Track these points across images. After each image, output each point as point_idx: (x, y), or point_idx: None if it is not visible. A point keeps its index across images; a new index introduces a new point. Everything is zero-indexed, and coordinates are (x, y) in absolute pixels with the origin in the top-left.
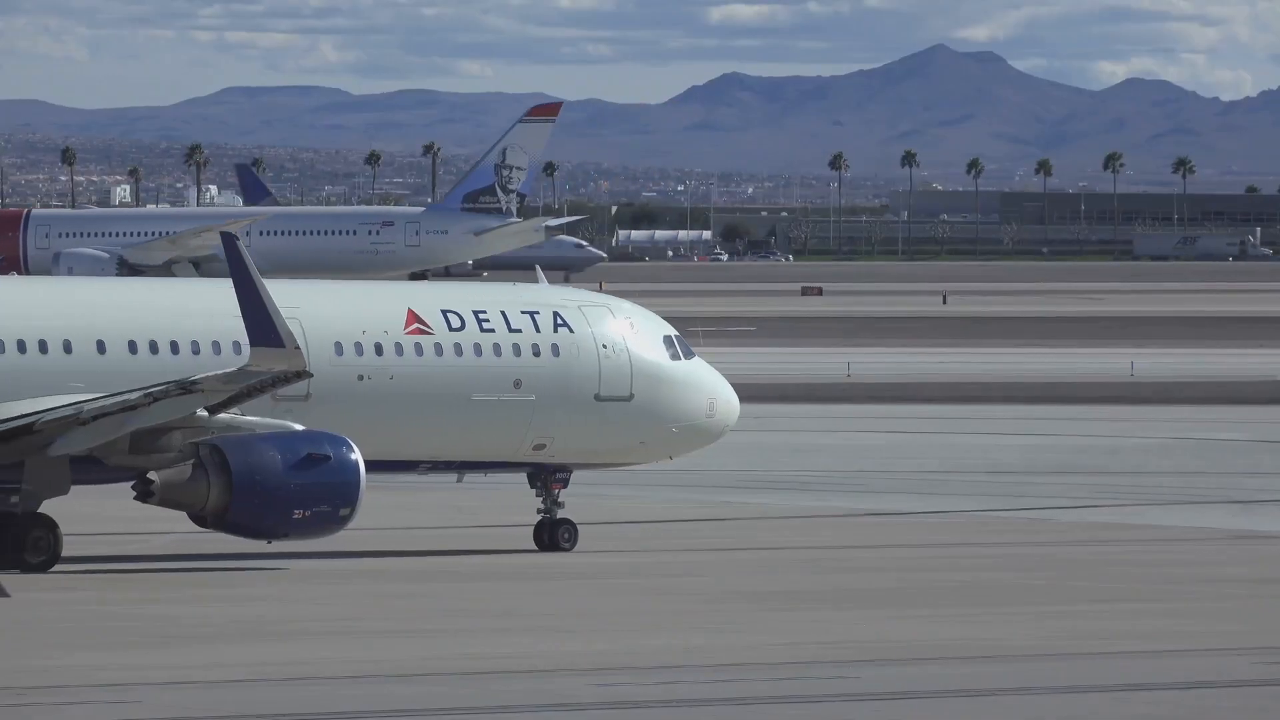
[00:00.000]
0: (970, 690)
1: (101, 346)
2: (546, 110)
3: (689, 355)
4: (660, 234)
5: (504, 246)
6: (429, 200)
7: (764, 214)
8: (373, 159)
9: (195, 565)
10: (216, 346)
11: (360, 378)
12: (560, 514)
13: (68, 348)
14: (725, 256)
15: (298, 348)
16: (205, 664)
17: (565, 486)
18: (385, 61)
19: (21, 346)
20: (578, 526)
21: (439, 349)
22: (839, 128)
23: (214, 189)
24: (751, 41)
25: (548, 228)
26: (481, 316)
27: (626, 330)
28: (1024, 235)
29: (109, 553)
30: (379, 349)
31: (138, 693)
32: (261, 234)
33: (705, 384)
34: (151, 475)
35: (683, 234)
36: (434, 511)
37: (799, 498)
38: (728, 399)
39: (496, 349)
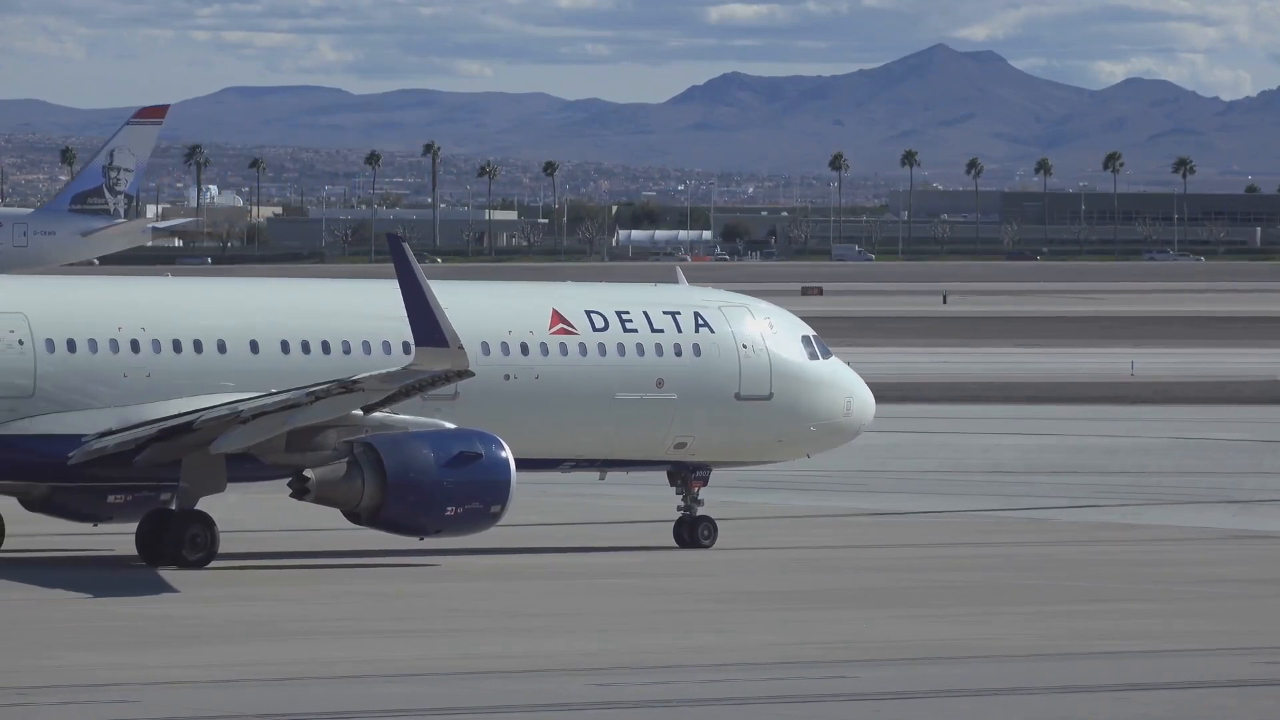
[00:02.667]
0: (970, 690)
1: (255, 346)
2: (152, 113)
3: (826, 355)
4: (660, 234)
5: (112, 247)
6: (429, 200)
7: (764, 214)
8: (372, 159)
9: (192, 565)
10: (366, 346)
11: (506, 377)
12: (700, 511)
13: (222, 347)
14: (728, 256)
15: (461, 347)
16: (204, 664)
17: (705, 485)
18: (384, 61)
19: (177, 346)
20: (717, 524)
21: (583, 349)
22: (839, 128)
23: (214, 189)
24: (751, 41)
25: (154, 229)
26: (624, 317)
27: (766, 330)
28: (1024, 235)
29: (109, 553)
30: (525, 349)
31: (137, 693)
32: None
33: (842, 383)
34: (307, 473)
35: (683, 234)
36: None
37: (799, 498)
38: (864, 398)
39: (639, 349)
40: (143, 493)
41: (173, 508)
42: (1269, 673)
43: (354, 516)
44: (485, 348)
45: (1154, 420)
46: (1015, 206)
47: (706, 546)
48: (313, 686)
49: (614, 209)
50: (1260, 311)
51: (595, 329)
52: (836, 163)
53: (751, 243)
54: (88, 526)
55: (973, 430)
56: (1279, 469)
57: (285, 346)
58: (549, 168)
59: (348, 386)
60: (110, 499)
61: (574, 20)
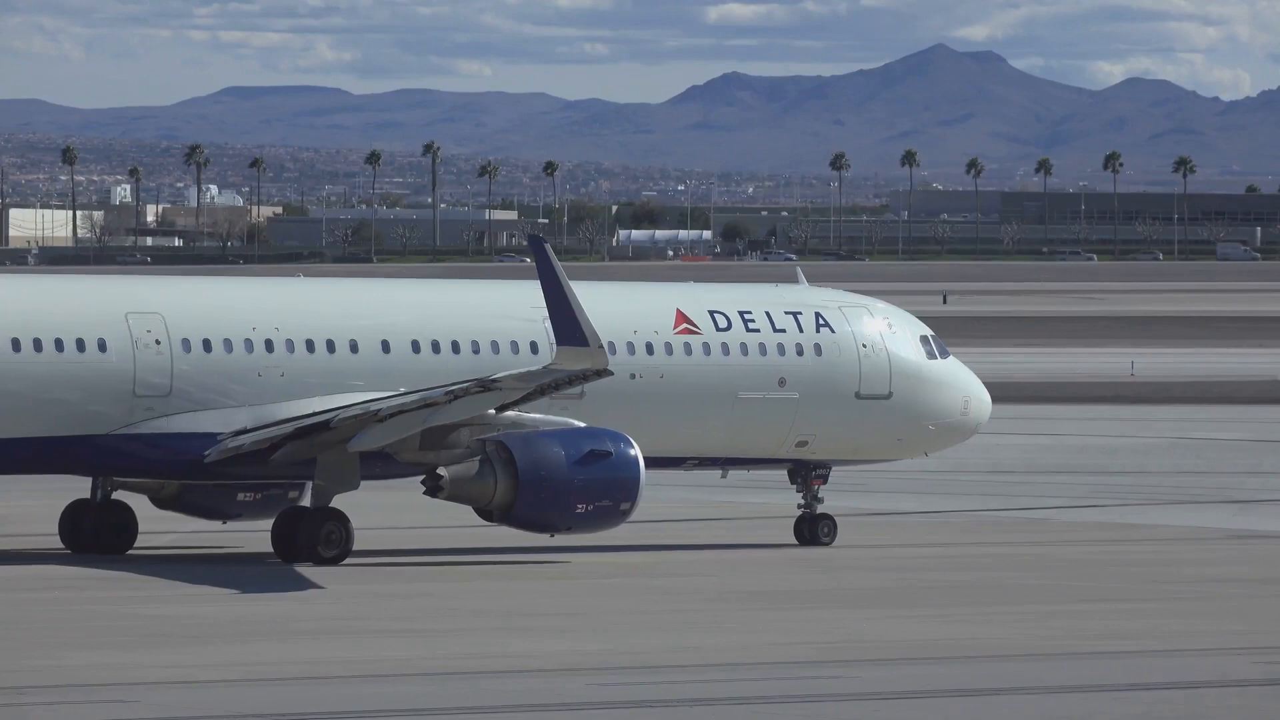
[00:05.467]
0: (970, 690)
1: (386, 346)
2: None
3: (944, 354)
4: (660, 234)
5: None
6: (429, 200)
7: (764, 214)
8: (373, 159)
9: (196, 565)
10: (495, 346)
11: (632, 376)
12: (820, 509)
13: (354, 347)
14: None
15: (601, 347)
16: (204, 664)
17: (825, 483)
18: (383, 61)
19: (310, 346)
20: (837, 521)
21: (707, 349)
22: (839, 127)
23: (214, 188)
24: (749, 41)
25: None
26: (747, 317)
27: (885, 330)
28: (1024, 235)
29: (109, 553)
30: (650, 348)
31: (137, 693)
32: None
33: (960, 382)
34: (441, 471)
35: (683, 234)
36: (431, 511)
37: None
38: (981, 397)
39: (762, 349)
40: (271, 490)
41: (306, 505)
42: (1269, 673)
43: (485, 514)
44: (611, 347)
45: (1154, 420)
46: (1015, 206)
47: (827, 544)
48: (313, 686)
49: (614, 209)
50: (1260, 311)
51: (719, 329)
52: (837, 163)
53: (752, 243)
54: (216, 524)
55: None
56: (1279, 469)
57: (416, 346)
58: (549, 168)
59: (486, 386)
60: (240, 497)
61: (572, 20)
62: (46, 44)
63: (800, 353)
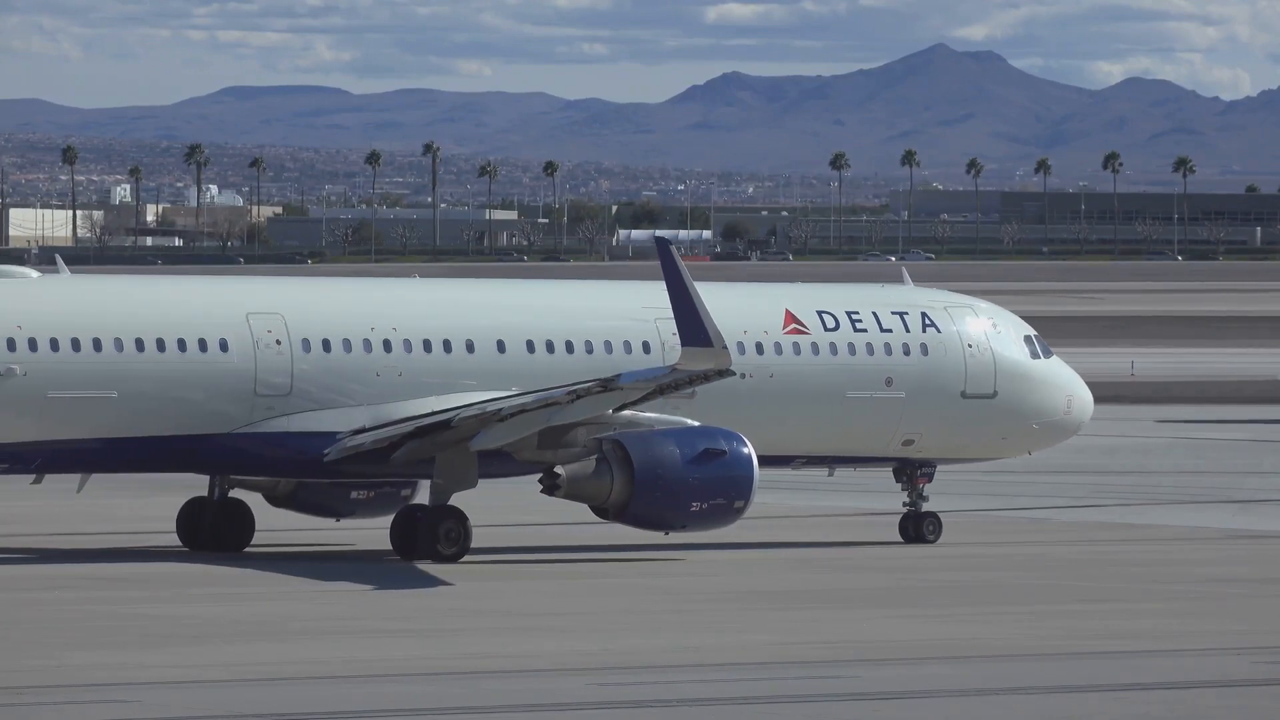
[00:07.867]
0: (970, 690)
1: (501, 346)
2: None
3: (1047, 354)
4: (660, 234)
5: None
6: (429, 200)
7: (764, 213)
8: (373, 159)
9: (196, 565)
10: (608, 346)
11: (742, 376)
12: (925, 507)
13: (470, 347)
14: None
15: (725, 347)
16: (204, 664)
17: (930, 481)
18: (383, 61)
19: (427, 346)
20: (942, 520)
21: (815, 348)
22: (839, 127)
23: (214, 188)
24: (749, 41)
25: None
26: (854, 317)
27: (989, 329)
28: (1024, 235)
29: (108, 552)
30: (759, 348)
31: (137, 693)
32: None
33: (1063, 382)
34: (558, 470)
35: (683, 234)
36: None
37: (799, 498)
38: (1083, 396)
39: (869, 348)
40: (385, 489)
41: (424, 503)
42: (1269, 673)
43: (601, 512)
44: None
45: (1154, 420)
46: (1015, 206)
47: (931, 542)
48: (312, 686)
49: (614, 209)
50: (1260, 311)
51: (826, 329)
52: (837, 163)
53: (752, 242)
54: (329, 521)
55: None
56: (1279, 469)
57: (530, 346)
58: (549, 168)
59: (608, 386)
60: (353, 495)
61: (572, 20)
62: (46, 44)
63: (907, 352)
